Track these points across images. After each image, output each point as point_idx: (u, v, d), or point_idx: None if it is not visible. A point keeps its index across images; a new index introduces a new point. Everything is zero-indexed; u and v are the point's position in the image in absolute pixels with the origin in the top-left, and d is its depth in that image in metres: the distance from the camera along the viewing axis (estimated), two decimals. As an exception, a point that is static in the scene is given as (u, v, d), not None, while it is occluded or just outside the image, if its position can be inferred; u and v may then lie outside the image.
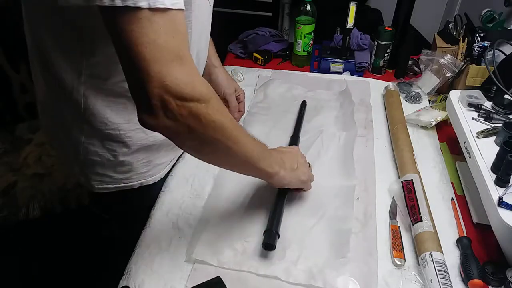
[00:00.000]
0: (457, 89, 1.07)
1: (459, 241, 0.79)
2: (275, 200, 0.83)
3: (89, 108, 0.72)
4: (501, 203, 0.70)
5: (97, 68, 0.67)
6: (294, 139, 1.01)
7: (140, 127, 0.75)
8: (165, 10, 0.50)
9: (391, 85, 1.21)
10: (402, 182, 0.88)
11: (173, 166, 0.97)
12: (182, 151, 0.97)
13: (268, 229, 0.76)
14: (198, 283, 0.70)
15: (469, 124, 0.89)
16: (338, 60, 1.35)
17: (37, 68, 0.73)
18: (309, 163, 0.87)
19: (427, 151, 1.03)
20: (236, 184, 0.91)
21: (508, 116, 0.90)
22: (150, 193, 0.90)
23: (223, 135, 0.59)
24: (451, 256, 0.77)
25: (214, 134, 0.58)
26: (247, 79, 1.32)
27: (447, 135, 1.08)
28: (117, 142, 0.77)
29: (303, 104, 1.16)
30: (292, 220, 0.83)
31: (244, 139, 0.64)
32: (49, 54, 0.67)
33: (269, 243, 0.74)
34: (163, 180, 0.92)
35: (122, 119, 0.75)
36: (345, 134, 1.06)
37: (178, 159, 0.98)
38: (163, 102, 0.51)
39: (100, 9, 0.49)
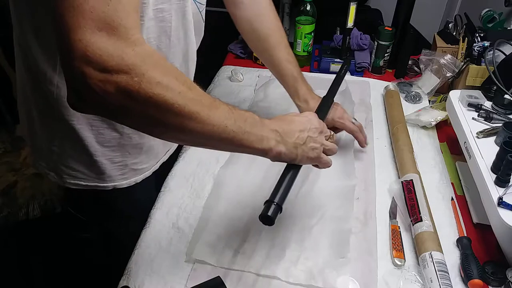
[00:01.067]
0: (457, 89, 1.07)
1: (459, 241, 0.79)
2: (284, 169, 0.70)
3: (61, 100, 0.69)
4: (501, 203, 0.70)
5: None
6: (326, 102, 0.88)
7: (113, 125, 0.71)
8: None
9: (391, 85, 1.22)
10: (402, 182, 0.88)
11: (172, 166, 0.96)
12: (164, 157, 0.92)
13: (268, 200, 0.65)
14: (198, 283, 0.70)
15: (469, 124, 0.89)
16: (338, 60, 1.35)
17: (19, 59, 0.72)
18: (331, 133, 0.74)
19: (427, 151, 1.03)
20: (237, 183, 0.91)
21: (508, 116, 0.90)
22: (125, 197, 0.85)
23: (170, 112, 0.50)
24: (451, 256, 0.77)
25: (155, 111, 0.50)
26: (247, 79, 1.32)
27: (447, 135, 1.08)
28: (89, 138, 0.74)
29: (346, 61, 1.04)
30: (292, 220, 0.83)
31: (207, 113, 0.53)
32: (30, 46, 0.66)
33: (266, 215, 0.63)
34: (143, 185, 0.87)
35: (99, 119, 0.72)
36: (345, 133, 1.06)
37: (177, 159, 0.98)
38: (84, 75, 0.45)
39: None
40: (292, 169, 0.69)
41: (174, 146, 0.96)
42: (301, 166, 0.70)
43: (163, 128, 0.54)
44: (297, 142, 0.66)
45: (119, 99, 0.48)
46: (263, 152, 0.63)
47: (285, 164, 0.69)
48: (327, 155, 0.72)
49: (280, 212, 0.65)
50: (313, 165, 0.72)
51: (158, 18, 0.66)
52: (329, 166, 0.72)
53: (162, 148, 0.90)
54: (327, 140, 0.72)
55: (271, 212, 0.63)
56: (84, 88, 0.47)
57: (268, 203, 0.65)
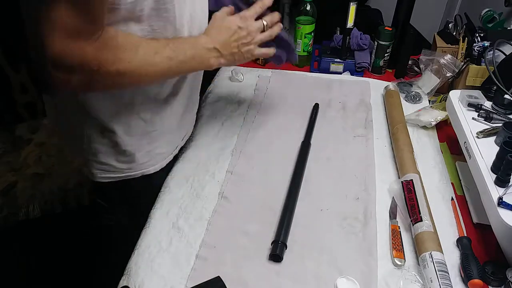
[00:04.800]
0: (457, 89, 1.07)
1: (459, 241, 0.79)
2: (283, 208, 0.83)
3: (89, 99, 0.74)
4: (501, 203, 0.70)
5: None
6: (305, 146, 1.00)
7: (138, 114, 0.78)
8: None
9: (391, 85, 1.21)
10: (402, 182, 0.88)
11: (173, 165, 0.97)
12: (182, 142, 0.99)
13: (275, 240, 0.76)
14: (198, 283, 0.70)
15: (469, 124, 0.89)
16: (338, 60, 1.35)
17: None
18: (264, 24, 0.81)
19: (427, 151, 1.03)
20: (243, 184, 0.91)
21: (508, 116, 0.90)
22: (151, 182, 0.91)
23: (124, 76, 0.65)
24: (451, 256, 0.77)
25: (114, 81, 0.65)
26: (247, 79, 1.31)
27: (447, 135, 1.08)
28: (117, 131, 0.79)
29: (316, 107, 1.15)
30: (294, 221, 0.83)
31: (153, 61, 0.67)
32: None
33: (276, 254, 0.74)
34: (164, 170, 0.93)
35: (122, 107, 0.77)
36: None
37: (178, 159, 0.98)
38: (53, 74, 0.59)
39: None
40: (291, 205, 0.83)
41: (189, 131, 1.02)
42: (297, 198, 0.85)
43: (122, 87, 0.71)
44: (233, 51, 0.78)
45: (81, 86, 0.64)
46: (206, 68, 0.77)
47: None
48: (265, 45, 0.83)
49: (286, 249, 0.76)
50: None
51: (161, 9, 0.68)
52: (271, 54, 0.85)
53: (180, 133, 0.96)
54: (261, 32, 0.81)
55: (279, 251, 0.75)
56: (53, 82, 0.60)
57: (275, 243, 0.76)
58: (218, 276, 0.71)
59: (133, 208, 0.92)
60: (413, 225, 0.79)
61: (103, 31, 0.61)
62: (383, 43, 1.29)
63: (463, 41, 1.20)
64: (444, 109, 1.09)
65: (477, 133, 0.86)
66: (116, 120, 0.77)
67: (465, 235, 0.81)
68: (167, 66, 0.69)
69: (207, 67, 0.76)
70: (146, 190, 0.91)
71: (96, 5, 0.58)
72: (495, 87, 1.00)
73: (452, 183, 0.94)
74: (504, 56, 1.01)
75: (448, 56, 1.20)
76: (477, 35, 1.15)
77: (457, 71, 1.17)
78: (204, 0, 0.82)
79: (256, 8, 0.80)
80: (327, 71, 1.37)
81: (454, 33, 1.30)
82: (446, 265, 0.71)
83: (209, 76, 1.34)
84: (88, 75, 0.61)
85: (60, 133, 0.90)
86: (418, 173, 0.90)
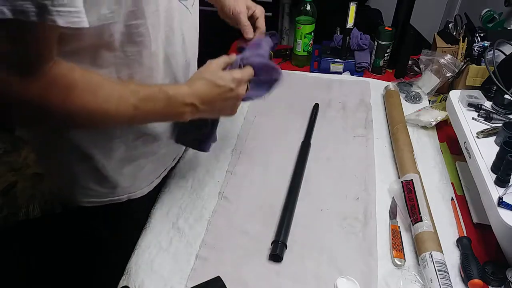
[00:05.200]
0: (457, 89, 1.07)
1: (459, 241, 0.79)
2: (283, 208, 0.83)
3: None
4: (501, 203, 0.70)
5: None
6: (305, 146, 1.00)
7: (118, 138, 0.74)
8: (19, 21, 0.47)
9: (391, 85, 1.21)
10: (402, 182, 0.88)
11: (172, 168, 0.96)
12: (172, 163, 0.94)
13: (275, 240, 0.76)
14: (198, 283, 0.70)
15: (469, 124, 0.89)
16: (338, 60, 1.35)
17: None
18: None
19: (427, 151, 1.03)
20: (243, 184, 0.91)
21: (508, 116, 0.90)
22: (139, 206, 0.87)
23: (78, 118, 0.59)
24: (451, 256, 0.77)
25: (67, 120, 0.59)
26: (247, 79, 1.31)
27: (447, 135, 1.08)
28: (98, 156, 0.75)
29: (315, 107, 1.15)
30: (294, 221, 0.83)
31: (115, 109, 0.60)
32: None
33: (276, 254, 0.74)
34: (153, 191, 0.89)
35: (102, 133, 0.73)
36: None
37: (178, 160, 0.98)
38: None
39: None
40: (291, 205, 0.83)
41: (181, 152, 0.98)
42: (297, 198, 0.85)
43: (78, 128, 0.67)
44: (213, 109, 0.71)
45: (29, 122, 0.62)
46: (178, 120, 0.70)
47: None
48: None
49: (286, 249, 0.76)
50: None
51: (134, 33, 0.63)
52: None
53: (170, 156, 0.91)
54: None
55: (279, 251, 0.74)
56: None
57: (275, 243, 0.76)
58: (218, 276, 0.71)
59: (121, 232, 0.89)
60: (413, 225, 0.79)
61: (54, 66, 0.54)
62: (383, 43, 1.29)
63: (463, 41, 1.20)
64: (444, 109, 1.09)
65: (477, 133, 0.86)
66: (94, 144, 0.73)
67: (465, 235, 0.81)
68: (131, 115, 0.62)
69: (179, 120, 0.69)
70: (133, 215, 0.87)
71: (39, 36, 0.50)
72: (495, 87, 1.00)
73: (452, 183, 0.94)
74: (504, 56, 1.02)
75: (448, 56, 1.20)
76: (477, 35, 1.15)
77: (457, 71, 1.17)
78: (190, 22, 0.76)
79: (250, 72, 0.75)
80: (327, 71, 1.37)
81: (454, 33, 1.30)
82: (446, 265, 0.71)
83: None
84: (34, 113, 0.56)
85: (40, 159, 0.85)
86: (418, 173, 0.90)
